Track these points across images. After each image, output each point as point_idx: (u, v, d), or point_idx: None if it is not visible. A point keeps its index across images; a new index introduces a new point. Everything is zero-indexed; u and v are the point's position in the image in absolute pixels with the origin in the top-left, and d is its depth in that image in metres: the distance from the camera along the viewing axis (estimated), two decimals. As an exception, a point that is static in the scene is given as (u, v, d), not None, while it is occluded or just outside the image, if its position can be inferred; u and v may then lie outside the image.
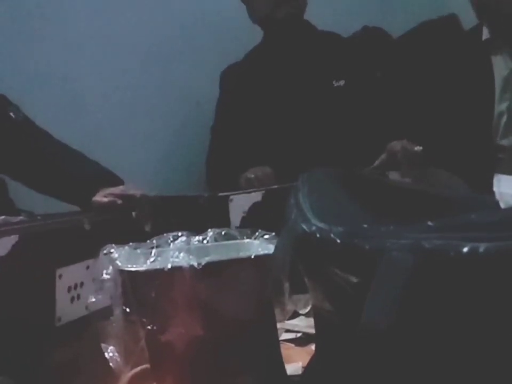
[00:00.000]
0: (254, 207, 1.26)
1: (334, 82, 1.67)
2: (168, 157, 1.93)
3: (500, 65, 1.58)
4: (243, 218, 1.23)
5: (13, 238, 0.79)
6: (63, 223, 0.96)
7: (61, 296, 0.85)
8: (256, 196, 1.24)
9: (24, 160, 1.30)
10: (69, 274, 0.86)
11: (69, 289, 0.87)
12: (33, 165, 1.30)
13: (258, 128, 1.69)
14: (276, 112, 1.67)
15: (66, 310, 0.86)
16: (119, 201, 1.19)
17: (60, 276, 0.85)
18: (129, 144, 1.92)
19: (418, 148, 1.45)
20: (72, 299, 0.87)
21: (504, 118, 1.56)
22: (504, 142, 1.56)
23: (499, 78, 1.57)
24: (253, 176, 1.57)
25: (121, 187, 1.26)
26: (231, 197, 1.24)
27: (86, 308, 0.85)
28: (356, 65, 1.70)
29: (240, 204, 1.21)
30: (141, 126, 1.94)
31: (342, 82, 1.66)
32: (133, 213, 1.17)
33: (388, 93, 1.67)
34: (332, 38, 1.76)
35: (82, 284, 0.90)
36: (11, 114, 1.32)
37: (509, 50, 1.56)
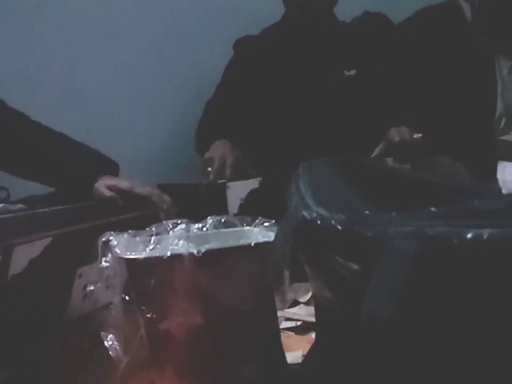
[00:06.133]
0: (252, 193, 1.25)
1: (345, 71, 1.66)
2: (169, 147, 1.92)
3: (501, 62, 1.57)
4: (241, 205, 1.22)
5: (46, 241, 0.79)
6: (92, 224, 0.93)
7: (76, 294, 0.85)
8: (254, 183, 1.23)
9: (18, 151, 1.28)
10: (87, 273, 0.86)
11: (84, 287, 0.86)
12: (28, 155, 1.27)
13: (262, 106, 1.67)
14: (284, 96, 1.66)
15: (78, 306, 0.86)
16: (120, 201, 1.17)
17: (80, 276, 0.85)
18: (130, 134, 1.91)
19: (417, 136, 1.44)
20: (85, 296, 0.87)
21: (504, 119, 1.55)
22: (505, 137, 1.55)
23: (500, 77, 1.56)
24: (212, 155, 1.49)
25: (126, 182, 1.22)
26: (228, 183, 1.23)
27: (95, 303, 0.85)
28: (368, 54, 1.69)
29: (237, 190, 1.20)
30: (141, 116, 1.93)
31: (353, 72, 1.66)
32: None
33: (391, 81, 1.66)
34: (347, 28, 1.75)
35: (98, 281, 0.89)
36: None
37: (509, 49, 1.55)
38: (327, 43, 1.70)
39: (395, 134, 1.45)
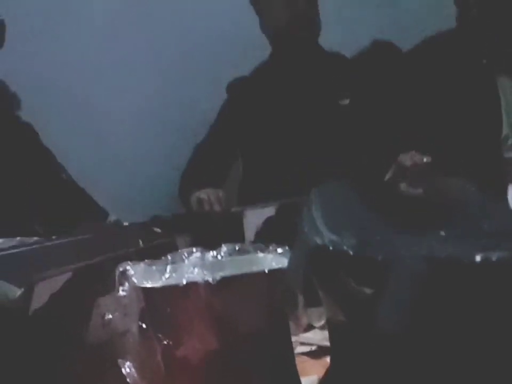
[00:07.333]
0: (268, 221, 1.26)
1: (339, 101, 1.69)
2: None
3: (504, 83, 1.59)
4: (257, 233, 1.24)
5: (67, 275, 0.80)
6: (112, 255, 0.94)
7: (94, 323, 0.85)
8: (270, 210, 1.25)
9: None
10: (106, 303, 0.86)
11: (103, 316, 0.87)
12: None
13: (259, 142, 1.71)
14: (280, 130, 1.69)
15: (96, 334, 0.86)
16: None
17: (98, 306, 0.85)
18: (145, 158, 1.94)
19: (427, 159, 1.45)
20: (103, 324, 0.87)
21: (511, 139, 1.57)
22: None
23: (504, 98, 1.58)
24: (205, 197, 1.55)
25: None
26: (245, 212, 1.25)
27: (113, 331, 0.85)
28: (361, 84, 1.71)
29: (254, 218, 1.22)
30: (155, 140, 1.97)
31: (347, 101, 1.69)
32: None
33: (394, 106, 1.68)
34: (338, 58, 1.78)
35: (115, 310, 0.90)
36: None
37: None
38: (315, 74, 1.72)
39: (406, 159, 1.47)
